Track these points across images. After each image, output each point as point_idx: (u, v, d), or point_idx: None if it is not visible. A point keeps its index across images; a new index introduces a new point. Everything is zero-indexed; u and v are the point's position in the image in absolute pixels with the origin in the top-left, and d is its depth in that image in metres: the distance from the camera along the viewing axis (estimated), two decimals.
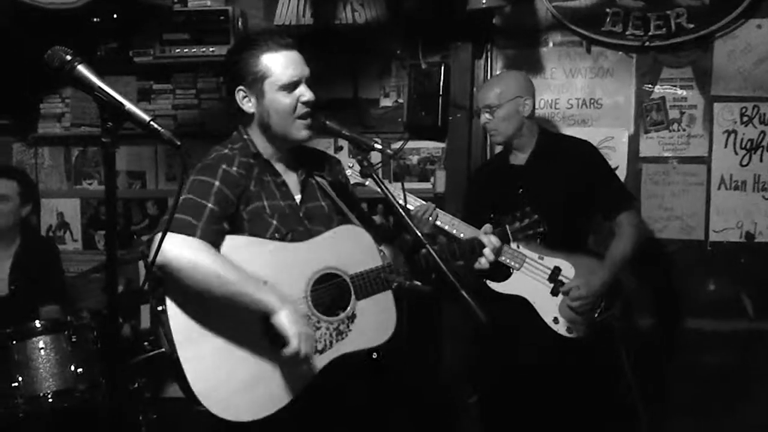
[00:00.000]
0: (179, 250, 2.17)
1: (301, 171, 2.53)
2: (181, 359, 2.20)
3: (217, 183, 2.31)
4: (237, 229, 2.36)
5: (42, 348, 3.43)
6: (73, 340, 3.50)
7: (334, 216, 2.54)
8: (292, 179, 2.51)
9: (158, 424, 3.66)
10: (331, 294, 2.41)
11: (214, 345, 2.25)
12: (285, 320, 2.20)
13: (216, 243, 2.26)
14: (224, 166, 2.35)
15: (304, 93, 2.39)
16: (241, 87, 2.40)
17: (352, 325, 2.41)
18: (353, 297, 2.43)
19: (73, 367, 3.46)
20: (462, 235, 3.17)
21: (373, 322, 2.45)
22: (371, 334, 2.44)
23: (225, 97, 2.52)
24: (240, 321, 2.26)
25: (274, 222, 2.39)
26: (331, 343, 2.38)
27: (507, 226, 2.74)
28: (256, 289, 2.23)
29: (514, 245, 3.29)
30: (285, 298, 2.26)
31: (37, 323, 3.50)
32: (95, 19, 4.13)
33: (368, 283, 2.45)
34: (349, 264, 2.44)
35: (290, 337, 2.19)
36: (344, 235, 2.48)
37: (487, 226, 2.71)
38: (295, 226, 2.43)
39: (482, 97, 3.51)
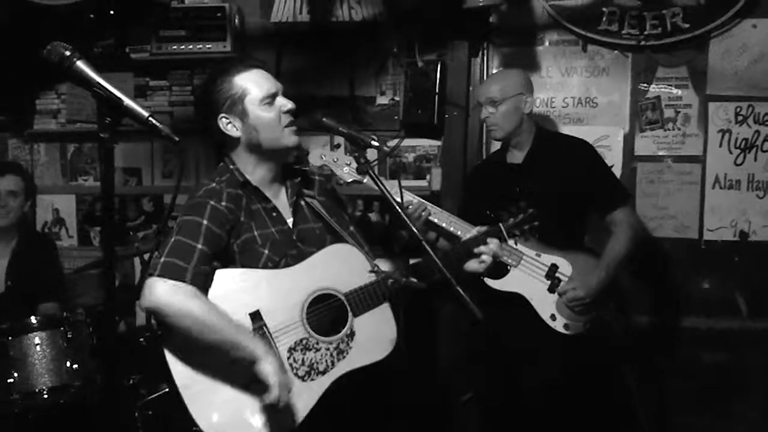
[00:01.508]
0: (168, 297, 2.18)
1: (291, 193, 2.53)
2: (184, 398, 2.25)
3: (205, 222, 2.31)
4: (229, 262, 2.37)
5: (38, 344, 3.43)
6: (69, 336, 3.49)
7: (327, 236, 2.54)
8: (282, 203, 2.51)
9: (153, 421, 3.66)
10: (327, 314, 2.41)
11: (214, 382, 2.28)
12: (269, 369, 2.20)
13: (205, 285, 2.28)
14: (212, 203, 2.35)
15: (285, 103, 2.43)
16: (222, 115, 2.41)
17: (351, 342, 2.41)
18: (350, 314, 2.43)
19: (68, 363, 3.46)
20: (459, 233, 3.17)
21: (374, 336, 2.45)
22: (373, 348, 2.44)
23: (204, 135, 2.51)
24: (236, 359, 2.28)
25: (266, 251, 2.39)
26: (332, 363, 2.38)
27: (501, 224, 2.75)
28: (242, 337, 2.25)
29: (511, 242, 3.30)
30: (268, 349, 2.27)
31: (33, 319, 3.50)
32: (91, 16, 4.11)
33: (364, 299, 2.45)
34: (342, 282, 2.44)
35: (271, 386, 2.19)
36: (335, 254, 2.48)
37: (480, 228, 2.72)
38: (288, 251, 2.43)
39: (484, 91, 3.51)
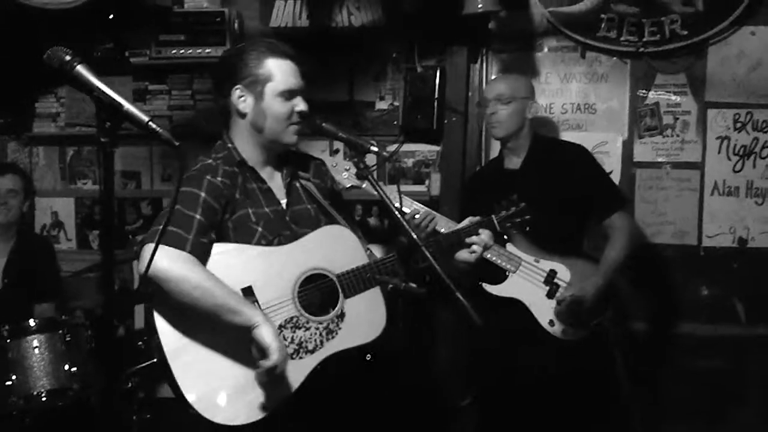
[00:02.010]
0: (169, 263, 2.19)
1: (286, 175, 2.55)
2: (172, 368, 2.24)
3: (203, 194, 2.33)
4: (222, 238, 2.38)
5: (36, 347, 3.44)
6: (68, 339, 3.50)
7: (321, 218, 2.56)
8: (277, 184, 2.52)
9: (152, 425, 3.66)
10: (319, 294, 2.43)
11: (203, 353, 2.28)
12: (266, 334, 2.22)
13: (204, 255, 2.30)
14: (209, 177, 2.37)
15: (300, 104, 2.44)
16: (238, 86, 2.41)
17: (341, 323, 2.43)
18: (341, 296, 2.44)
19: (67, 366, 3.47)
20: None
21: (363, 319, 2.47)
22: (362, 331, 2.46)
23: (216, 99, 2.53)
24: (229, 329, 2.27)
25: (260, 229, 2.41)
26: (321, 342, 2.40)
27: (493, 216, 2.79)
28: (241, 304, 2.27)
29: (511, 248, 3.30)
30: (267, 316, 2.29)
31: (32, 322, 3.51)
32: (91, 20, 4.12)
33: (356, 281, 2.46)
34: (335, 263, 2.46)
35: (270, 351, 2.21)
36: (329, 235, 2.50)
37: (472, 218, 2.74)
38: (282, 231, 2.45)
39: (493, 89, 3.52)
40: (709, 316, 4.05)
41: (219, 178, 2.38)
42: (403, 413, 3.82)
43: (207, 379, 2.27)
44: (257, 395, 2.29)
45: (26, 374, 3.41)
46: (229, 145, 2.48)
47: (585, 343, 3.28)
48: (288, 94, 2.41)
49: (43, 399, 3.40)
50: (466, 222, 2.73)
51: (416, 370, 4.12)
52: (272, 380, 2.25)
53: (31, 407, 3.39)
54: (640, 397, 3.79)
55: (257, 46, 2.43)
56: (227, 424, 2.26)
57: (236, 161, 2.45)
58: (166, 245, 2.21)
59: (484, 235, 2.67)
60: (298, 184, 2.57)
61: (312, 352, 2.38)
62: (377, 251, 2.59)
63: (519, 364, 3.37)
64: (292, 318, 2.37)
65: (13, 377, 3.39)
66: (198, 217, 2.30)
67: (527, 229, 2.90)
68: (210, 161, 2.43)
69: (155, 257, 2.08)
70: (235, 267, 2.34)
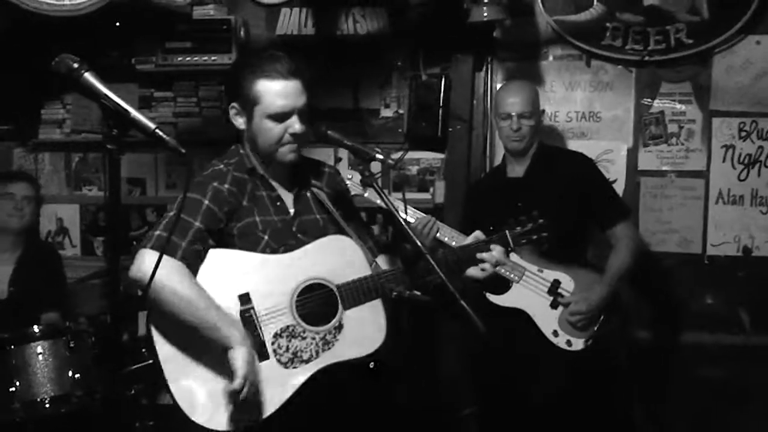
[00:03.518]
0: (158, 273, 2.12)
1: (297, 183, 2.53)
2: (166, 376, 2.28)
3: (206, 202, 2.33)
4: (226, 245, 2.38)
5: (40, 353, 3.44)
6: (71, 345, 3.50)
7: (330, 228, 2.53)
8: (286, 193, 2.51)
9: (154, 431, 3.65)
10: (318, 304, 2.41)
11: (196, 363, 2.30)
12: (239, 358, 2.22)
13: (195, 263, 2.30)
14: (215, 184, 2.37)
15: (293, 125, 2.38)
16: (234, 104, 2.43)
17: (339, 335, 2.41)
18: (341, 307, 2.43)
19: (70, 373, 3.46)
20: None
21: (362, 332, 2.44)
22: (359, 344, 2.43)
23: (224, 107, 2.55)
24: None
25: (266, 237, 2.40)
26: (317, 353, 2.38)
27: (507, 231, 2.66)
28: (221, 321, 2.26)
29: (515, 257, 3.30)
30: (246, 338, 2.28)
31: (36, 328, 3.51)
32: (98, 26, 4.13)
33: (356, 293, 2.44)
34: (336, 274, 2.44)
35: (238, 376, 2.20)
36: (332, 245, 2.48)
37: (479, 233, 2.63)
38: (288, 240, 2.44)
39: (515, 104, 3.46)
40: (714, 325, 4.04)
41: (226, 185, 2.38)
42: (406, 423, 3.81)
43: (196, 387, 2.29)
44: (248, 405, 2.28)
45: (30, 381, 3.40)
46: (242, 151, 2.48)
47: (589, 353, 3.27)
48: (278, 117, 2.36)
49: (47, 406, 3.40)
50: (472, 237, 2.63)
51: (419, 379, 4.12)
52: (242, 402, 2.24)
53: (34, 414, 3.39)
54: (645, 407, 3.78)
55: (251, 66, 2.38)
56: (219, 430, 2.28)
57: (247, 168, 2.45)
58: (156, 249, 2.22)
59: (496, 252, 2.56)
60: (309, 194, 2.56)
61: (307, 362, 2.37)
62: (384, 263, 2.57)
63: (523, 374, 3.36)
64: (288, 326, 2.37)
65: (17, 383, 3.38)
66: (197, 224, 2.30)
67: (545, 246, 2.86)
68: (221, 167, 2.43)
69: (143, 261, 2.17)
70: (234, 273, 2.35)
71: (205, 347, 2.29)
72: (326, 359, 2.39)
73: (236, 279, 2.35)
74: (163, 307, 2.23)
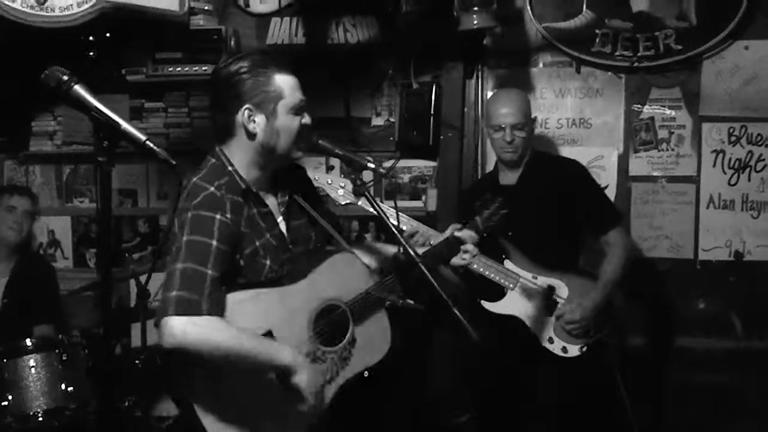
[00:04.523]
0: (187, 335, 2.12)
1: (278, 188, 2.49)
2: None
3: (214, 243, 2.21)
4: (233, 275, 2.31)
5: (33, 366, 3.42)
6: (64, 358, 3.49)
7: (311, 230, 2.54)
8: (272, 202, 2.47)
9: None
10: (332, 326, 2.44)
11: (235, 409, 2.27)
12: (304, 380, 2.26)
13: (220, 308, 2.21)
14: (218, 217, 2.23)
15: (306, 117, 2.39)
16: (248, 106, 2.29)
17: (353, 349, 2.46)
18: (351, 323, 2.46)
19: (63, 386, 3.45)
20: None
21: (372, 341, 2.50)
22: (371, 352, 2.50)
23: (215, 115, 2.41)
24: (254, 375, 2.29)
25: (268, 262, 2.37)
26: (337, 371, 2.43)
27: (477, 218, 2.84)
28: (273, 350, 2.27)
29: (509, 264, 3.30)
30: (297, 351, 2.31)
31: (28, 341, 3.50)
32: (89, 38, 4.13)
33: (363, 307, 2.48)
34: (345, 291, 2.48)
35: (307, 396, 2.27)
36: (338, 265, 2.50)
37: (455, 225, 2.78)
38: (283, 256, 2.42)
39: (508, 115, 3.44)
40: (706, 330, 4.05)
41: (228, 215, 2.26)
42: (401, 430, 3.80)
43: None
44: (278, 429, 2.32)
45: (22, 394, 3.39)
46: (229, 168, 2.35)
47: (584, 359, 3.27)
48: (299, 109, 2.35)
49: (40, 419, 3.38)
50: (449, 230, 2.77)
51: (414, 386, 4.11)
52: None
53: (27, 427, 3.37)
54: (639, 412, 3.77)
55: (264, 64, 2.32)
56: None
57: (241, 190, 2.33)
58: (181, 314, 2.12)
59: (465, 234, 2.73)
60: (288, 198, 2.51)
61: (330, 382, 2.40)
62: (364, 257, 2.62)
63: (518, 380, 3.36)
64: (309, 354, 2.37)
65: (9, 397, 3.37)
66: (210, 272, 2.17)
67: (503, 221, 2.92)
68: (212, 190, 2.26)
69: (173, 331, 2.10)
70: (253, 314, 2.30)
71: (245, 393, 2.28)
72: (346, 375, 2.44)
73: (256, 320, 2.30)
74: (218, 362, 2.19)
